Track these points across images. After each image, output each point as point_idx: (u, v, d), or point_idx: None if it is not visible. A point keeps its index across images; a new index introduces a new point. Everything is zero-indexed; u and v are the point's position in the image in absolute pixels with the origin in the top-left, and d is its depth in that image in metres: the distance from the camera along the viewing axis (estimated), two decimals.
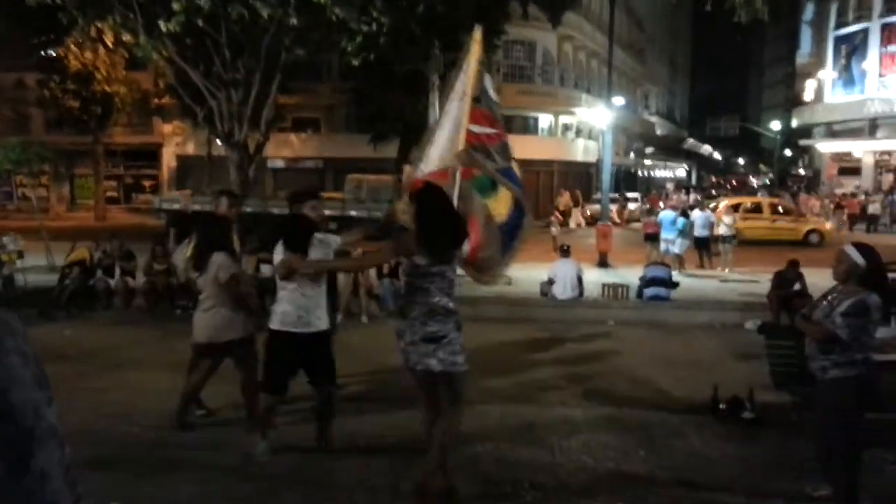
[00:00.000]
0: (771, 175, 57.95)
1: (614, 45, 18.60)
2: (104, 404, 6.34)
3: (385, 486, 4.69)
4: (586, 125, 38.99)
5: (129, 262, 11.73)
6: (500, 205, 5.31)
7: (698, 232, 16.31)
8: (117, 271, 11.64)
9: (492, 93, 5.57)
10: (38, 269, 12.78)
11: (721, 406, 6.10)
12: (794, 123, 45.07)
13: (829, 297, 3.99)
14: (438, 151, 5.33)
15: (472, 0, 12.30)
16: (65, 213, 32.11)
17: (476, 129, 5.33)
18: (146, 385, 7.06)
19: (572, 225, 18.82)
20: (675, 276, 12.59)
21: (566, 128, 39.20)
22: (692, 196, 34.50)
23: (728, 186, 62.76)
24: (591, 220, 26.01)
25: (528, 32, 31.98)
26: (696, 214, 17.02)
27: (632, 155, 50.32)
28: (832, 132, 39.10)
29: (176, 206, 17.00)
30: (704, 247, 16.30)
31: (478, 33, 5.47)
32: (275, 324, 4.94)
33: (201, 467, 4.94)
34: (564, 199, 29.71)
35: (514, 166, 5.54)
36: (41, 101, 27.58)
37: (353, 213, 14.82)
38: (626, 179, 47.21)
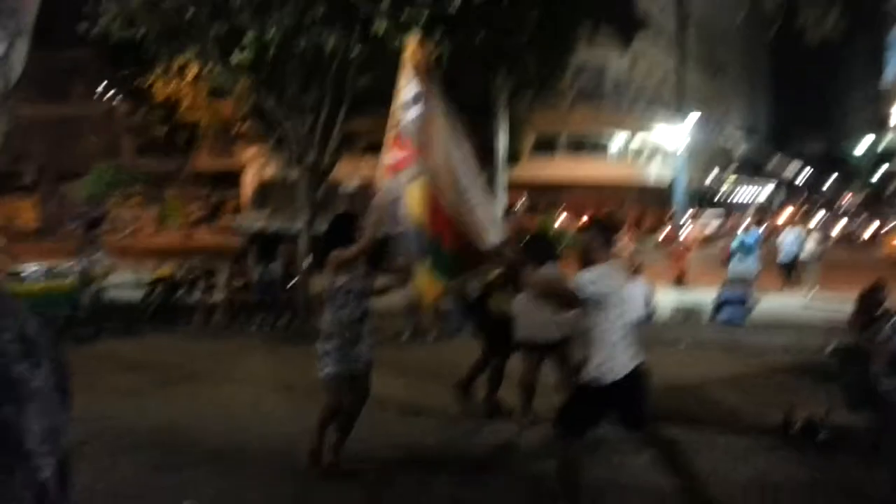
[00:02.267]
0: (860, 196, 55.37)
1: (688, 65, 18.31)
2: (178, 413, 6.63)
3: (445, 496, 4.74)
4: (661, 146, 38.34)
5: (210, 279, 12.25)
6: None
7: (787, 252, 15.69)
8: (199, 288, 12.17)
9: (412, 109, 4.74)
10: (126, 285, 13.48)
11: (794, 428, 5.87)
12: (884, 143, 43.01)
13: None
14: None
15: (536, 24, 12.35)
16: (154, 234, 33.76)
17: (390, 158, 4.80)
18: (216, 396, 7.36)
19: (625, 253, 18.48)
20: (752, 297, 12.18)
21: (639, 150, 38.63)
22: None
23: (815, 207, 60.28)
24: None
25: (597, 54, 31.79)
26: (784, 235, 16.41)
27: (711, 176, 49.08)
28: None
29: (256, 227, 17.70)
30: (789, 269, 15.66)
31: (411, 43, 4.95)
32: None
33: (269, 470, 5.11)
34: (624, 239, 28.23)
35: (408, 191, 4.69)
36: (131, 128, 29.18)
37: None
38: (704, 200, 46.06)
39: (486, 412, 6.51)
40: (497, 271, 6.53)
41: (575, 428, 4.31)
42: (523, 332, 6.20)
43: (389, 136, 4.80)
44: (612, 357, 4.11)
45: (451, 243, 4.50)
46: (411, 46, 4.91)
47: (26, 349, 0.73)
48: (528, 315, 6.02)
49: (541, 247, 6.31)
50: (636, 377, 4.20)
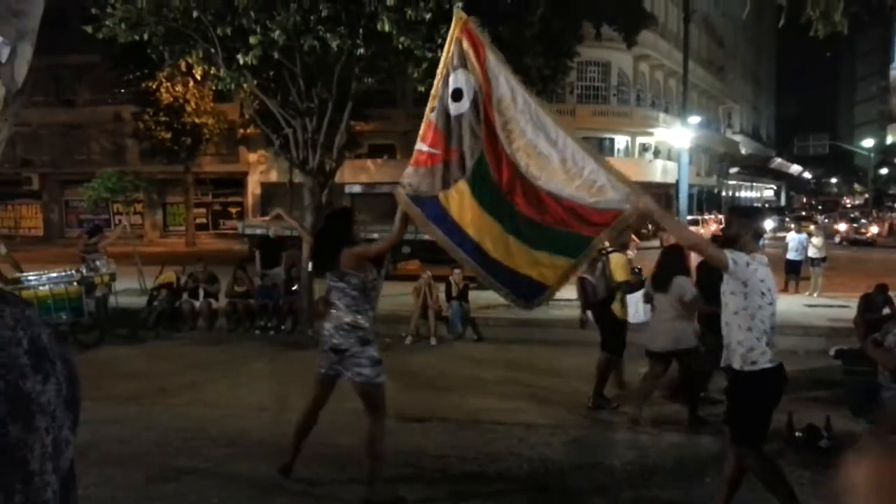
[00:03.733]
0: (866, 195, 55.10)
1: (692, 63, 18.28)
2: (180, 419, 6.63)
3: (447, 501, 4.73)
4: (665, 145, 38.25)
5: (213, 284, 12.25)
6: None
7: (791, 255, 15.57)
8: (201, 294, 12.18)
9: (451, 104, 4.39)
10: (129, 291, 13.51)
11: (797, 434, 5.84)
12: (890, 140, 42.84)
13: None
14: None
15: (539, 23, 12.33)
16: (158, 239, 33.84)
17: (423, 147, 4.49)
18: (221, 402, 7.35)
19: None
20: None
21: (644, 148, 38.55)
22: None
23: (819, 207, 60.09)
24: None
25: (602, 53, 31.78)
26: (790, 237, 16.31)
27: (715, 175, 48.96)
28: None
29: (258, 232, 17.69)
30: (794, 271, 15.54)
31: (458, 19, 4.38)
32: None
33: (272, 476, 5.10)
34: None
35: (447, 196, 4.43)
36: (136, 132, 29.23)
37: (409, 236, 14.98)
38: (708, 200, 45.94)
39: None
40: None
41: (755, 429, 4.25)
42: (660, 342, 6.55)
43: (425, 123, 4.48)
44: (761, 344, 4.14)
45: (558, 221, 4.22)
46: (457, 24, 4.38)
47: (37, 361, 0.71)
48: (665, 323, 6.46)
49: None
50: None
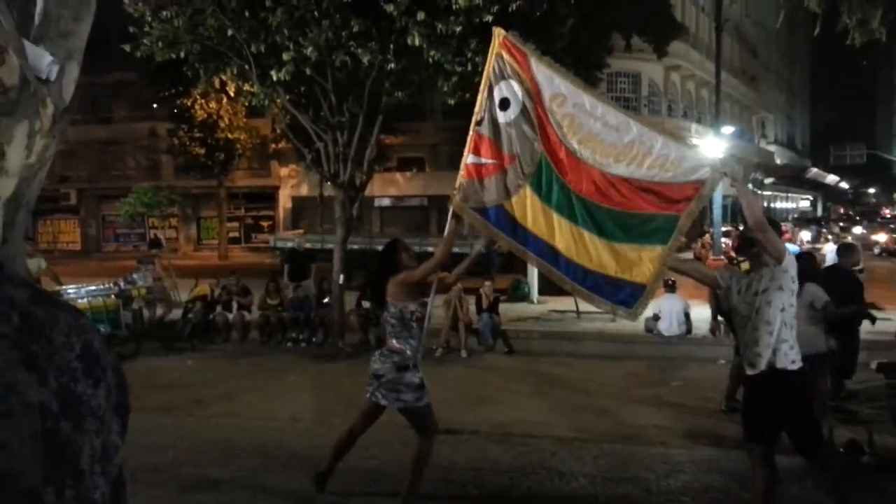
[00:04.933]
0: None
1: (725, 73, 18.13)
2: (214, 430, 6.70)
3: None
4: None
5: (246, 297, 12.40)
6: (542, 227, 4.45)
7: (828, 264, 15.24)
8: (235, 306, 12.33)
9: (500, 114, 4.48)
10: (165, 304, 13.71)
11: (838, 449, 5.69)
12: None
13: None
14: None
15: (569, 35, 12.33)
16: (192, 253, 34.33)
17: (473, 159, 4.53)
18: (254, 413, 7.42)
19: None
20: None
21: None
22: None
23: (857, 217, 58.79)
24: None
25: (632, 64, 31.62)
26: (828, 248, 16.00)
27: (750, 186, 48.29)
28: None
29: (290, 245, 17.89)
30: None
31: (496, 36, 4.54)
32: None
33: (306, 488, 5.12)
34: None
35: (511, 204, 4.46)
36: (171, 148, 29.78)
37: (455, 249, 15.02)
38: (743, 212, 45.30)
39: None
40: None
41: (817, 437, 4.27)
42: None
43: (471, 136, 4.56)
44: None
45: (638, 205, 4.17)
46: (497, 40, 4.52)
47: (89, 367, 0.73)
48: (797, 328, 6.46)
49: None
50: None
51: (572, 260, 4.33)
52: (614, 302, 4.34)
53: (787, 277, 4.00)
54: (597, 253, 4.27)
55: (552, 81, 4.37)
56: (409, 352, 4.58)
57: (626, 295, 4.29)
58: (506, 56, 4.47)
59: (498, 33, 4.56)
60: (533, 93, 4.40)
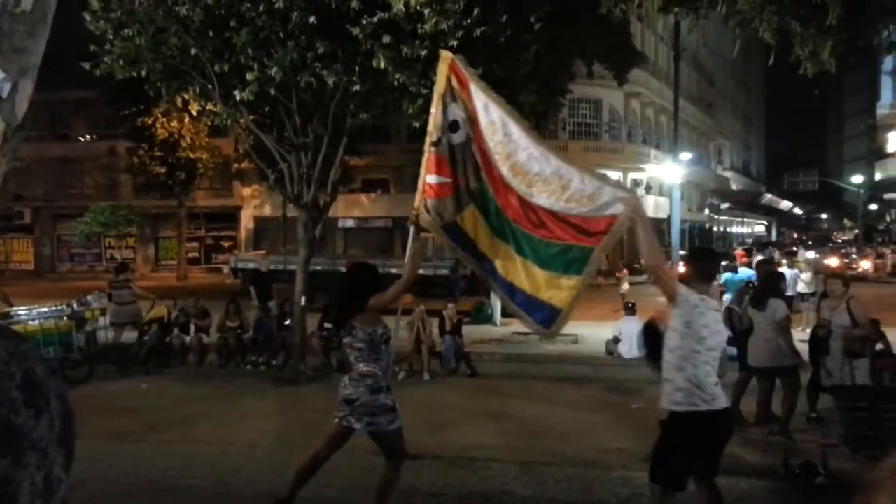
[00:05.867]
0: (856, 230, 55.50)
1: (683, 100, 18.55)
2: (170, 456, 6.52)
3: None
4: (657, 181, 38.57)
5: (204, 319, 12.17)
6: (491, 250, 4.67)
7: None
8: (192, 328, 12.08)
9: (451, 135, 4.67)
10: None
11: (793, 470, 5.79)
12: (878, 176, 43.34)
13: None
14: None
15: (533, 61, 12.52)
16: (149, 273, 33.65)
17: (436, 179, 4.66)
18: (212, 438, 7.25)
19: (623, 288, 18.28)
20: None
21: (636, 184, 38.83)
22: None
23: (810, 242, 60.41)
24: None
25: (593, 90, 32.18)
26: (784, 272, 16.30)
27: (706, 211, 49.30)
28: None
29: (251, 266, 17.66)
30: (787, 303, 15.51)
31: (444, 59, 4.73)
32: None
33: None
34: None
35: (462, 218, 4.67)
36: (130, 167, 29.28)
37: (420, 270, 14.99)
38: (700, 235, 46.17)
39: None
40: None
41: (667, 470, 4.29)
42: (762, 358, 7.22)
43: (426, 157, 4.69)
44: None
45: (557, 235, 4.30)
46: (444, 63, 4.68)
47: (30, 396, 0.69)
48: (766, 341, 7.14)
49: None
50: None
51: (505, 277, 4.55)
52: (536, 322, 4.51)
53: (676, 319, 3.99)
54: (526, 273, 4.46)
55: (487, 109, 4.52)
56: (380, 373, 4.53)
57: (545, 316, 4.45)
58: (453, 80, 4.65)
59: (445, 56, 4.73)
60: (472, 118, 4.58)
